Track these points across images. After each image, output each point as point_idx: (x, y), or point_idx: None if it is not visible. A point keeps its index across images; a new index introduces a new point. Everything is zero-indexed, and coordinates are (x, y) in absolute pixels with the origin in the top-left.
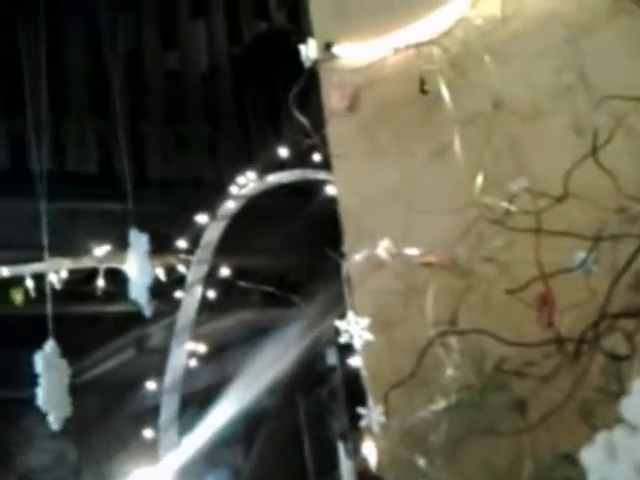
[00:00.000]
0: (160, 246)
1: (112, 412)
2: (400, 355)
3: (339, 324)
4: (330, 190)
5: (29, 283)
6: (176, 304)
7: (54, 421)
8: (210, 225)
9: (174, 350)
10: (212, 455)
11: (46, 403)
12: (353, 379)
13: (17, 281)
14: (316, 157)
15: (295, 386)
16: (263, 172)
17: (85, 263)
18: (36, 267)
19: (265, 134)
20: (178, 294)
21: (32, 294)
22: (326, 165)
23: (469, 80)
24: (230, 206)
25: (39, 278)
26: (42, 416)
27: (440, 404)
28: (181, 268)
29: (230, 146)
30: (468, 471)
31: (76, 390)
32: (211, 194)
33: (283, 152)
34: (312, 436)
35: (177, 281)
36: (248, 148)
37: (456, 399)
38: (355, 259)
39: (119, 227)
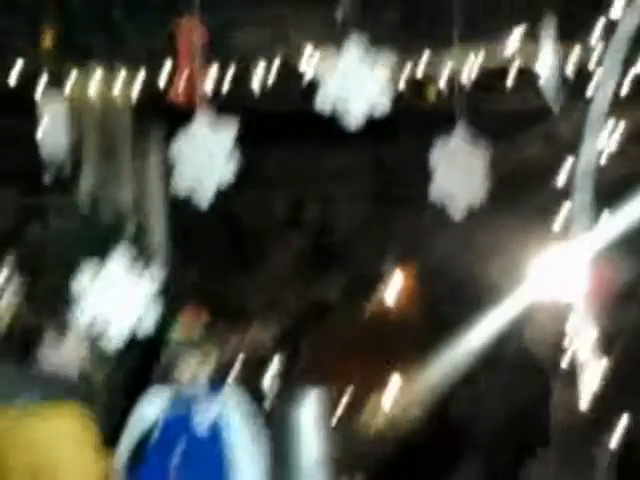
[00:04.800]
0: (570, 37)
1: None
2: None
3: None
4: None
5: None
6: (587, 100)
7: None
8: (626, 13)
9: (586, 142)
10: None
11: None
12: None
13: (430, 78)
14: None
15: None
16: None
17: (496, 61)
18: (449, 65)
19: None
20: (590, 88)
21: (444, 91)
22: None
23: None
24: None
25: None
26: None
27: None
28: (592, 62)
29: None
30: None
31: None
32: None
33: None
34: None
35: (587, 76)
36: None
37: None
38: None
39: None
